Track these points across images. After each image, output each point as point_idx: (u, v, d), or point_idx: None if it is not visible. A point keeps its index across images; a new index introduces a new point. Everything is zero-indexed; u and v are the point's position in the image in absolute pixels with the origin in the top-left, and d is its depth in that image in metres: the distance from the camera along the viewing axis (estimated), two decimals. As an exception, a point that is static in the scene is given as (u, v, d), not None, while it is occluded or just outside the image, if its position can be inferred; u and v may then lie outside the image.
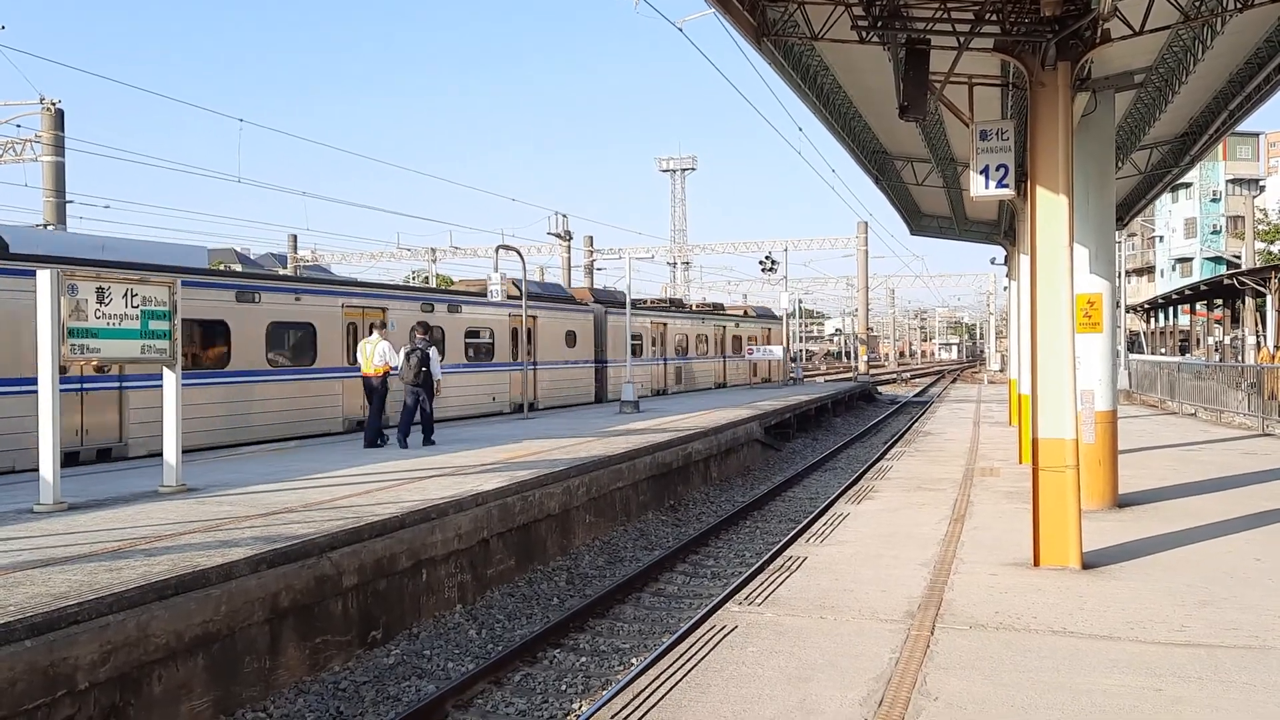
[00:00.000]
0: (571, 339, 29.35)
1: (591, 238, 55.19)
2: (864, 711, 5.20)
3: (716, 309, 45.15)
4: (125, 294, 10.75)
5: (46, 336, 9.88)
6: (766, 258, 48.23)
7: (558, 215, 46.73)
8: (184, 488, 11.45)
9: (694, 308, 43.39)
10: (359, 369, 17.09)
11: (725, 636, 6.57)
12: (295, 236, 51.06)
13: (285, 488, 11.72)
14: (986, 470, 14.95)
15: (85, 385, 14.98)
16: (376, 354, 16.52)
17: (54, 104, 24.68)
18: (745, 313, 48.48)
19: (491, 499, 11.44)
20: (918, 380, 68.26)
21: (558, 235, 48.26)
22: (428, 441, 16.82)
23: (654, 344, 35.51)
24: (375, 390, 16.73)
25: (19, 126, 24.21)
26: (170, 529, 9.08)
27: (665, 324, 36.69)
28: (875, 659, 6.05)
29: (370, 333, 17.24)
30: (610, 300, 32.82)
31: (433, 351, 16.56)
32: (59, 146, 24.88)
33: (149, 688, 6.86)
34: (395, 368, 16.52)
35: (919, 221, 28.13)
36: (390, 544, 9.53)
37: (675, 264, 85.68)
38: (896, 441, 22.18)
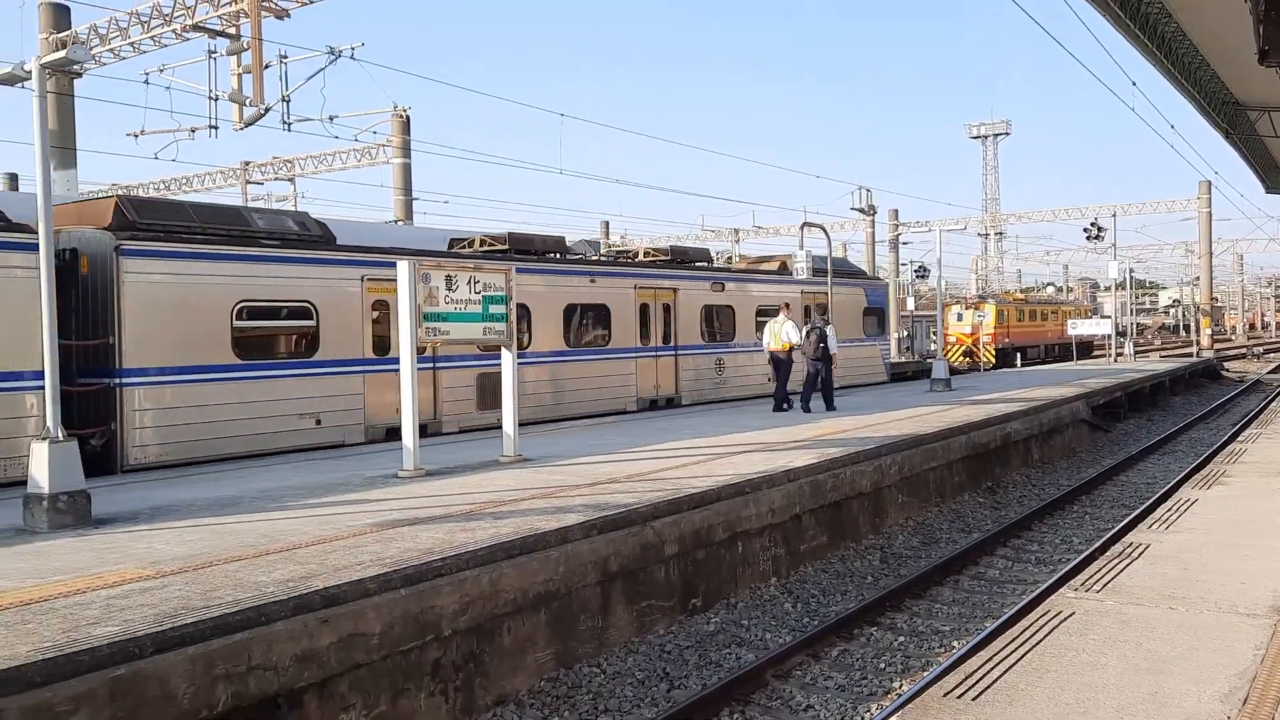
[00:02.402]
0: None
1: (896, 211, 53.77)
2: (1226, 709, 4.80)
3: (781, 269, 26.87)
4: (469, 280, 11.77)
5: (406, 320, 11.02)
6: (1091, 224, 44.83)
7: (861, 190, 45.74)
8: (520, 458, 12.40)
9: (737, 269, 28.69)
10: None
11: (1061, 622, 6.26)
12: (607, 223, 53.49)
13: (606, 460, 12.39)
14: (1365, 456, 13.16)
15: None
16: (783, 332, 18.46)
17: (404, 110, 27.32)
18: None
19: (803, 475, 11.51)
20: (1273, 356, 60.93)
21: (861, 210, 47.34)
22: (830, 407, 18.59)
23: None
24: (781, 364, 18.69)
25: (375, 133, 27.06)
26: (511, 495, 9.89)
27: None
28: (1236, 654, 5.55)
29: (777, 314, 19.13)
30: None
31: (829, 329, 18.55)
32: (406, 149, 27.54)
33: (500, 638, 7.54)
34: (798, 344, 18.46)
35: (1276, 179, 25.09)
36: (707, 515, 9.85)
37: (987, 234, 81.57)
38: (1249, 423, 19.98)
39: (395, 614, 6.66)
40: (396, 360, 11.94)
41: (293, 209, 35.81)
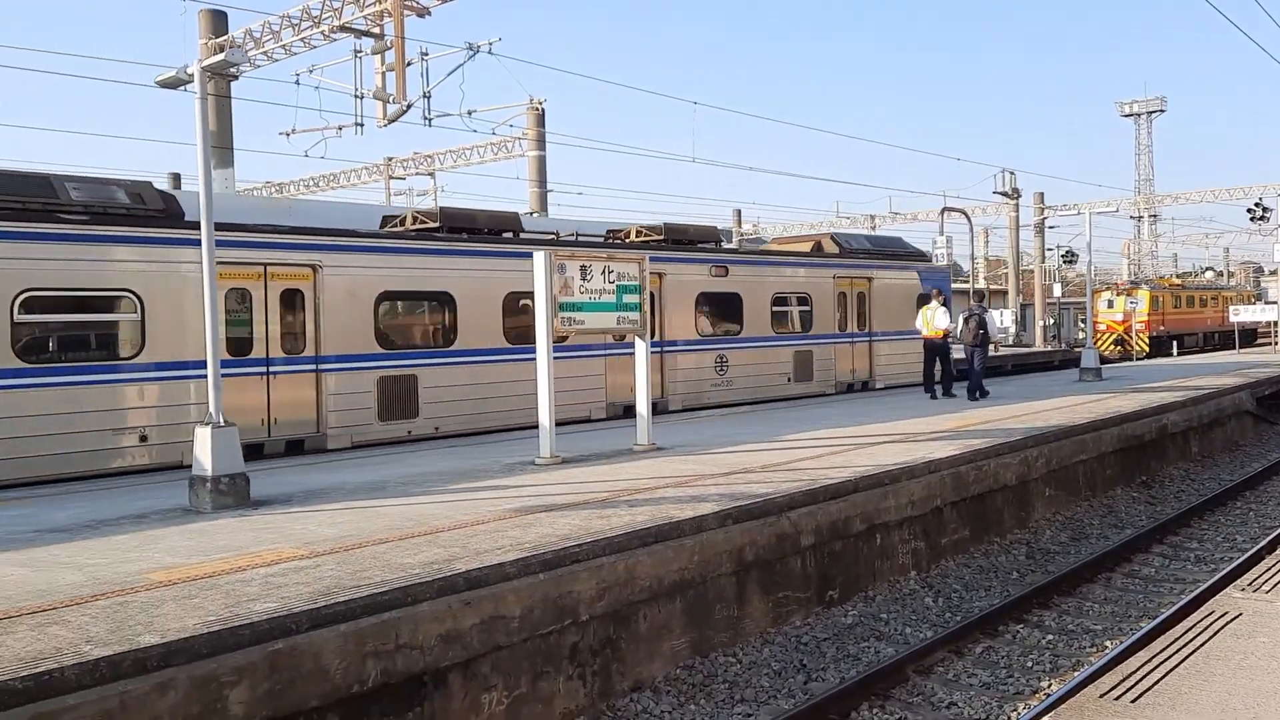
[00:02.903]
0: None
1: (1042, 194, 51.60)
2: None
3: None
4: (603, 270, 11.87)
5: (543, 310, 11.20)
6: (1256, 204, 42.17)
7: (1004, 172, 44.16)
8: (654, 446, 12.45)
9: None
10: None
11: (1227, 624, 5.91)
12: (739, 211, 53.15)
13: (741, 449, 12.32)
14: None
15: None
16: (936, 318, 18.65)
17: (539, 103, 27.78)
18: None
19: (944, 467, 11.20)
20: None
21: (1004, 193, 45.69)
22: (975, 397, 18.32)
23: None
24: (935, 350, 19.00)
25: (511, 126, 27.60)
26: (646, 483, 9.94)
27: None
28: None
29: (929, 301, 19.17)
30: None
31: (989, 315, 18.76)
32: (541, 141, 27.98)
33: (635, 624, 7.58)
34: (950, 329, 18.79)
35: None
36: (844, 507, 9.68)
37: (1140, 217, 77.66)
38: None
39: (534, 598, 6.77)
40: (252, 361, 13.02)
41: (262, 195, 36.55)
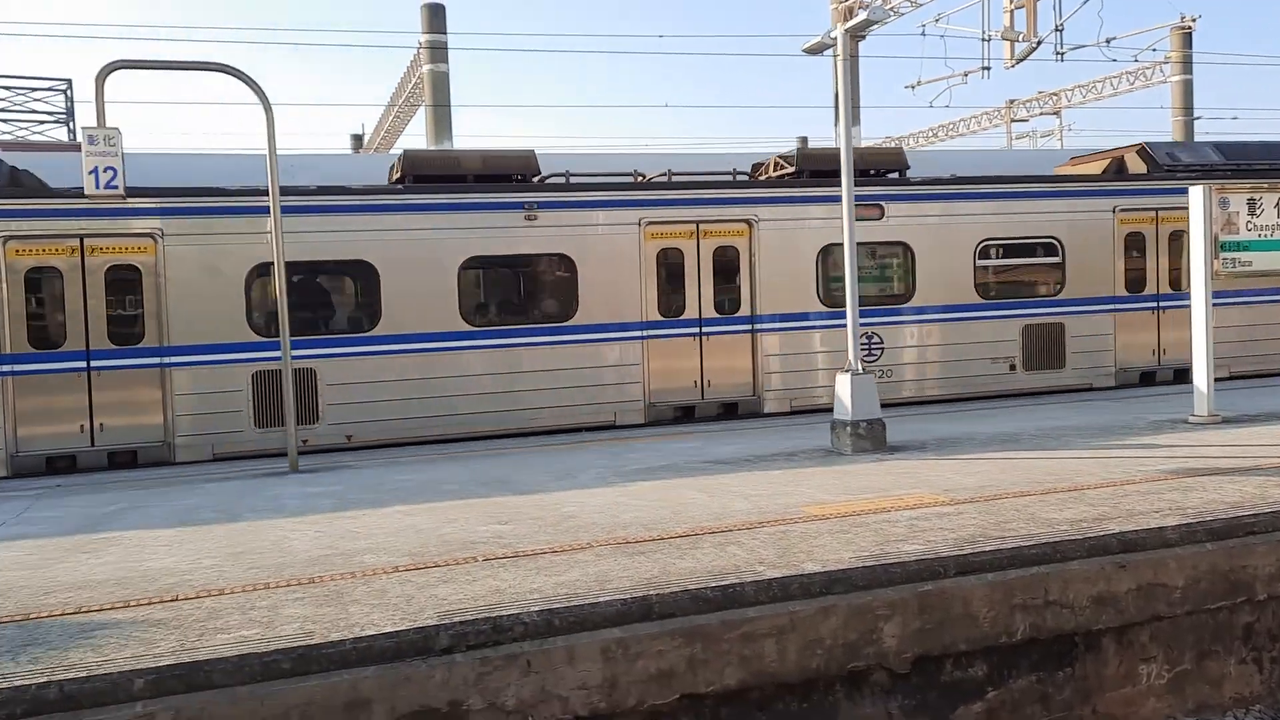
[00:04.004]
0: None
1: None
2: None
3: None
4: (1277, 203, 10.25)
5: (1200, 251, 10.02)
6: None
7: None
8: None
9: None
10: None
11: None
12: None
13: None
14: None
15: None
16: None
17: (1190, 21, 24.80)
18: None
19: None
20: None
21: None
22: None
23: None
24: None
25: (1154, 50, 24.89)
26: (1337, 450, 8.45)
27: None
28: None
29: None
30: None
31: None
32: (1188, 64, 24.93)
33: (1329, 613, 6.51)
34: None
35: None
36: None
37: None
38: None
39: (1200, 568, 6.13)
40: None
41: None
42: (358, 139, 38.44)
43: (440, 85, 25.99)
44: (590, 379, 12.68)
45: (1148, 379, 14.69)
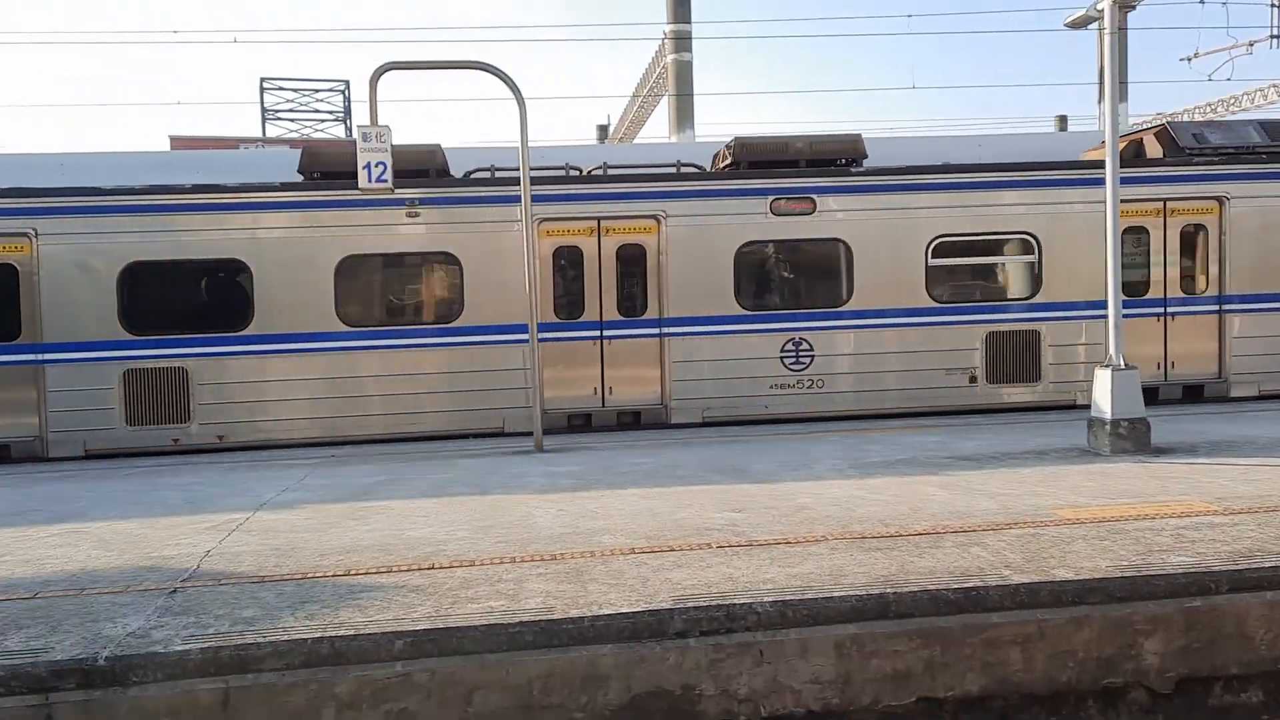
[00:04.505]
0: None
1: None
2: None
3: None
4: None
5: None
6: None
7: None
8: None
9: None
10: None
11: None
12: None
13: None
14: None
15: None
16: None
17: None
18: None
19: None
20: None
21: None
22: None
23: None
24: None
25: None
26: None
27: None
28: None
29: None
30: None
31: None
32: None
33: None
34: None
35: None
36: None
37: None
38: None
39: None
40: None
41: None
42: (603, 129, 39.59)
43: (684, 75, 26.29)
44: (476, 383, 12.13)
45: (1150, 396, 11.11)
